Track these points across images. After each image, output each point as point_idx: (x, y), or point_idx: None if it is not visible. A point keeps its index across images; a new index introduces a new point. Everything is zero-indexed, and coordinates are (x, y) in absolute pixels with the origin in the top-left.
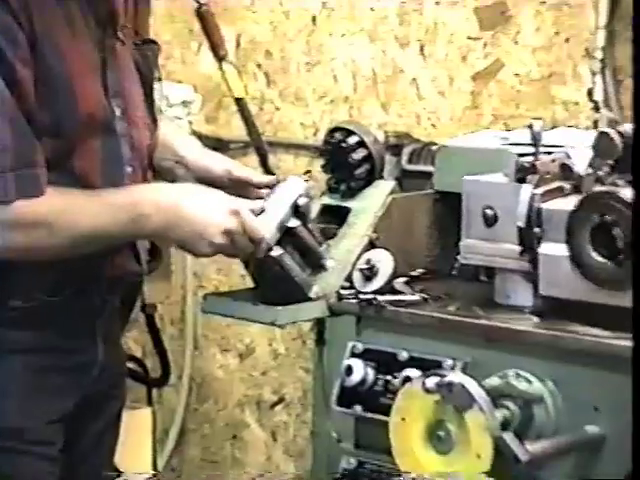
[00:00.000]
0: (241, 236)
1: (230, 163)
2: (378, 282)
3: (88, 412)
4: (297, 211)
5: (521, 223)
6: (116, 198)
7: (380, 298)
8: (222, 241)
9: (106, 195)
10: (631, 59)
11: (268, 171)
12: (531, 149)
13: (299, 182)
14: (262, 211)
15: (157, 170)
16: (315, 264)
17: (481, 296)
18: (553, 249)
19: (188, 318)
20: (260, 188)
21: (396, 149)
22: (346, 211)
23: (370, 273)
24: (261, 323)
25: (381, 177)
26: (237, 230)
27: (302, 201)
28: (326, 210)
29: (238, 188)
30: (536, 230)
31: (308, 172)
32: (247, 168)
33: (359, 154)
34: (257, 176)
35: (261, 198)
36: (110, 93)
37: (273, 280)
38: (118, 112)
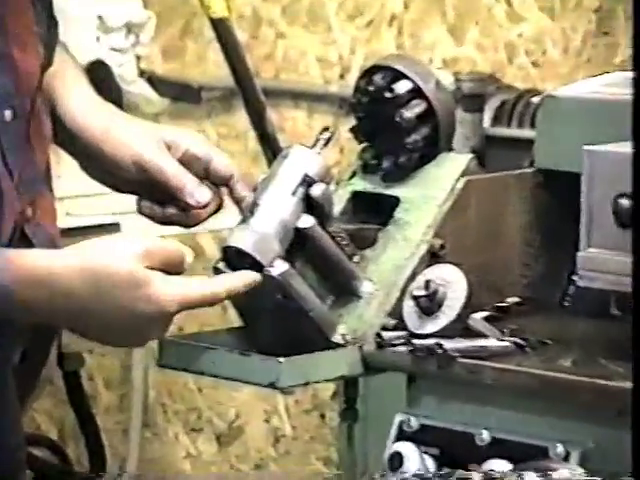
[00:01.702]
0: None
1: (150, 146)
2: (444, 318)
3: None
4: (310, 204)
5: None
6: None
7: (447, 345)
8: (164, 330)
9: None
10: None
11: (265, 137)
12: None
13: (310, 155)
14: (254, 206)
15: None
16: (341, 289)
17: (612, 341)
18: None
19: (135, 377)
20: (197, 207)
21: (474, 102)
22: (392, 203)
23: (431, 303)
24: (254, 384)
25: (449, 147)
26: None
27: (318, 190)
28: (359, 202)
29: (158, 190)
30: None
31: (326, 130)
32: (179, 156)
33: (413, 110)
34: (183, 179)
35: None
36: None
37: (273, 315)
38: None
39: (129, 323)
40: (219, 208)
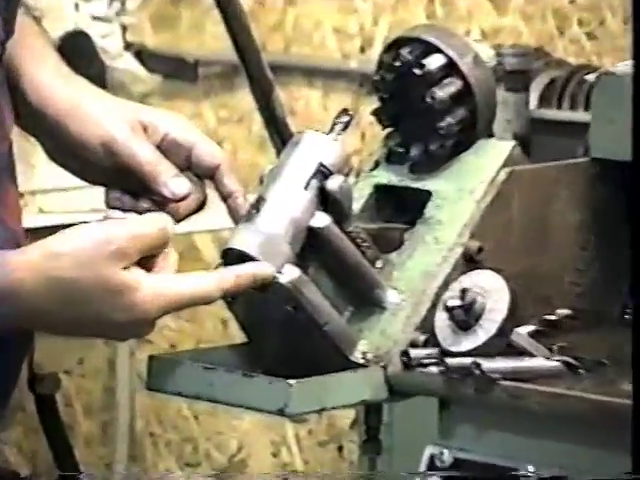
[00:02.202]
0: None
1: (122, 125)
2: (482, 333)
3: None
4: (326, 200)
5: None
6: None
7: (486, 364)
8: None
9: None
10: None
11: (273, 121)
12: None
13: (325, 142)
14: (260, 201)
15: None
16: (362, 299)
17: None
18: None
19: (120, 402)
20: (172, 199)
21: (518, 80)
22: (421, 198)
23: (467, 316)
24: (259, 411)
25: (489, 133)
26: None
27: (334, 183)
28: (383, 197)
29: (129, 178)
30: None
31: (344, 113)
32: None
33: (447, 89)
34: (158, 166)
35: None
36: None
37: (282, 329)
38: None
39: (107, 331)
40: (202, 205)
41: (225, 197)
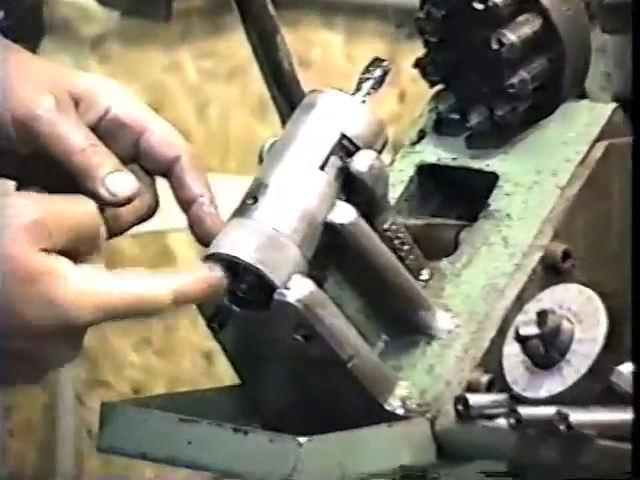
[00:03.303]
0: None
1: (46, 98)
2: (569, 373)
3: None
4: (351, 186)
5: None
6: None
7: (575, 416)
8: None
9: None
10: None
11: (277, 75)
12: None
13: (350, 106)
14: (260, 188)
15: None
16: (401, 324)
17: None
18: None
19: (62, 467)
20: (111, 203)
21: (621, 17)
22: (484, 184)
23: (548, 349)
24: None
25: (579, 92)
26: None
27: (362, 161)
28: (430, 181)
29: (51, 172)
30: None
31: (377, 63)
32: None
33: (520, 30)
34: (93, 155)
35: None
36: None
37: (288, 367)
38: None
39: (20, 340)
40: (153, 211)
41: (185, 203)
